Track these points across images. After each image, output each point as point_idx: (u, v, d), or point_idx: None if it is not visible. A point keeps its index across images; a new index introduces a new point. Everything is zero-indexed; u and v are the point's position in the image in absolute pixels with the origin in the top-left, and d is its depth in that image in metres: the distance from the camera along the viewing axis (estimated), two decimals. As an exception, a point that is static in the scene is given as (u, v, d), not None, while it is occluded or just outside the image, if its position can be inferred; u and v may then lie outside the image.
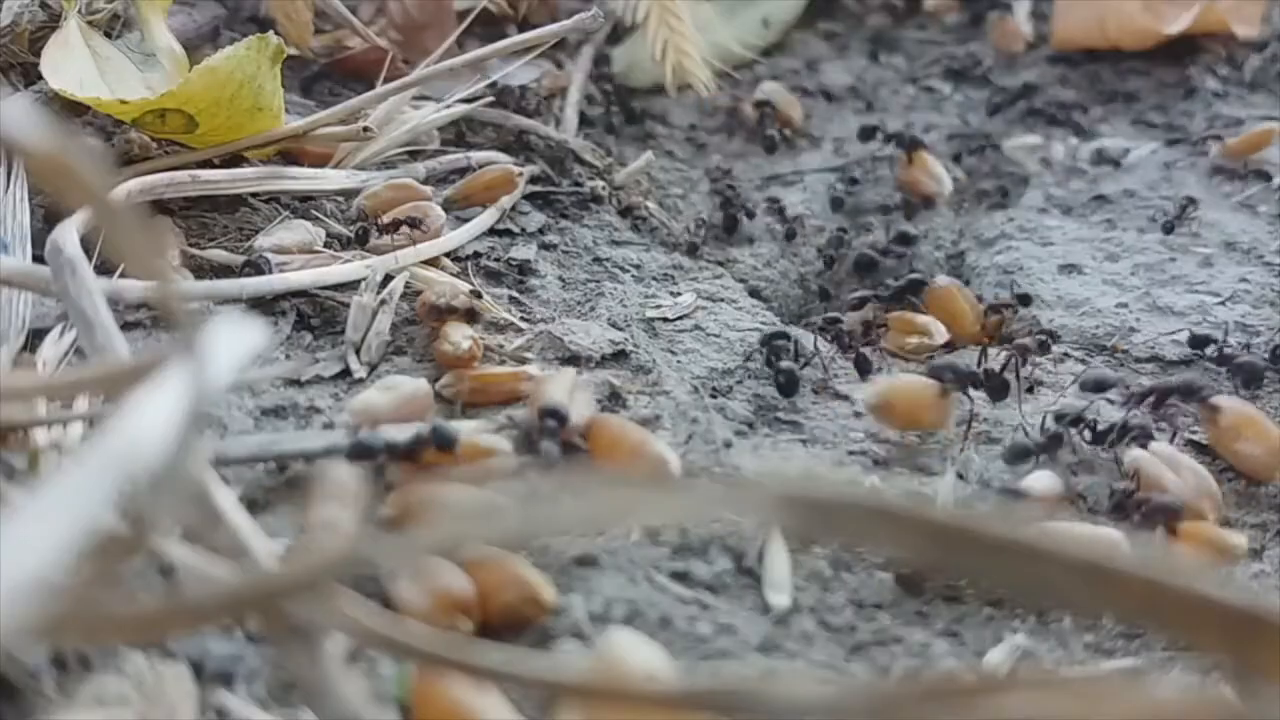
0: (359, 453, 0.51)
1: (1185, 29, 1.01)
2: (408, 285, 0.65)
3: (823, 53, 1.07)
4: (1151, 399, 0.60)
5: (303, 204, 0.72)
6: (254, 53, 0.68)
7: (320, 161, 0.76)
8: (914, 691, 0.31)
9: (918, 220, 0.86)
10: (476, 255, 0.71)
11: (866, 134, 0.90)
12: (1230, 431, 0.58)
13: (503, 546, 0.47)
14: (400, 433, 0.52)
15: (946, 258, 0.84)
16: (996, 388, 0.62)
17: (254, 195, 0.71)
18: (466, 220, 0.73)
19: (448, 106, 0.81)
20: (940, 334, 0.69)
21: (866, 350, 0.66)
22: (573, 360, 0.63)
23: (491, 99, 0.85)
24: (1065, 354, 0.69)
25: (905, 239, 0.82)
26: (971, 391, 0.60)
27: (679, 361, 0.65)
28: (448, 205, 0.73)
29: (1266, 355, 0.66)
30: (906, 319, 0.70)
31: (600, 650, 0.43)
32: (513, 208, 0.76)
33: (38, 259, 0.58)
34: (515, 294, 0.69)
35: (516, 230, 0.74)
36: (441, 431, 0.51)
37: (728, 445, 0.57)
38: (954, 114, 0.99)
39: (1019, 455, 0.57)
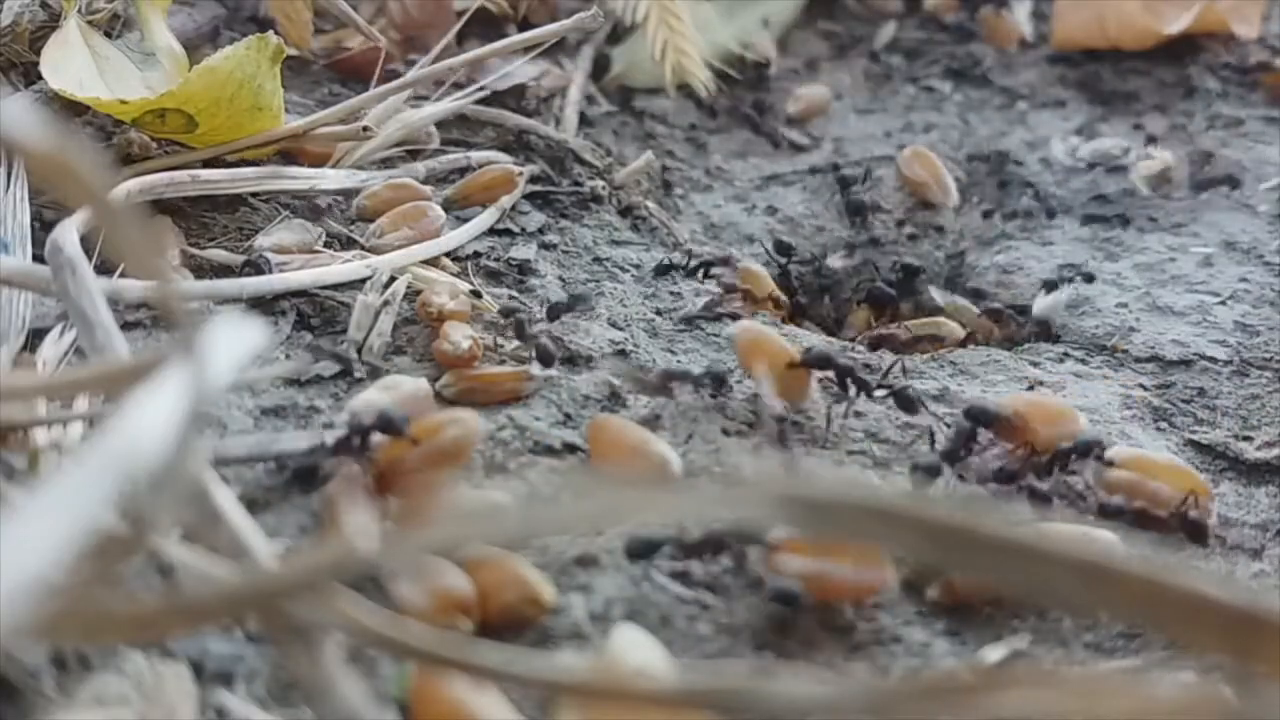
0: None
1: (1185, 29, 1.01)
2: (408, 285, 0.65)
3: (823, 53, 1.07)
4: (965, 445, 0.57)
5: (303, 204, 0.72)
6: (254, 53, 0.68)
7: (320, 161, 0.76)
8: (914, 691, 0.31)
9: (918, 220, 0.86)
10: (476, 255, 0.71)
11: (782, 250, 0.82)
12: (1036, 421, 0.57)
13: (503, 546, 0.47)
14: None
15: (946, 258, 0.84)
16: (904, 402, 0.60)
17: (254, 195, 0.71)
18: (466, 220, 0.73)
19: (448, 101, 0.81)
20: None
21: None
22: (573, 360, 0.63)
23: (489, 97, 0.85)
24: (1065, 354, 0.69)
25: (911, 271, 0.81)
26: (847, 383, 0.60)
27: (679, 361, 0.65)
28: (448, 205, 0.73)
29: None
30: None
31: (603, 648, 0.43)
32: (513, 208, 0.76)
33: (38, 259, 0.58)
34: (515, 294, 0.69)
35: (516, 230, 0.74)
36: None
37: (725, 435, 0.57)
38: (954, 114, 0.99)
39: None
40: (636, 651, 0.43)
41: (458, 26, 0.87)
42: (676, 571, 0.49)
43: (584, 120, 0.91)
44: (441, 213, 0.71)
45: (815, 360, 0.59)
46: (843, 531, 0.32)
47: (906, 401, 0.59)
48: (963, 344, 0.73)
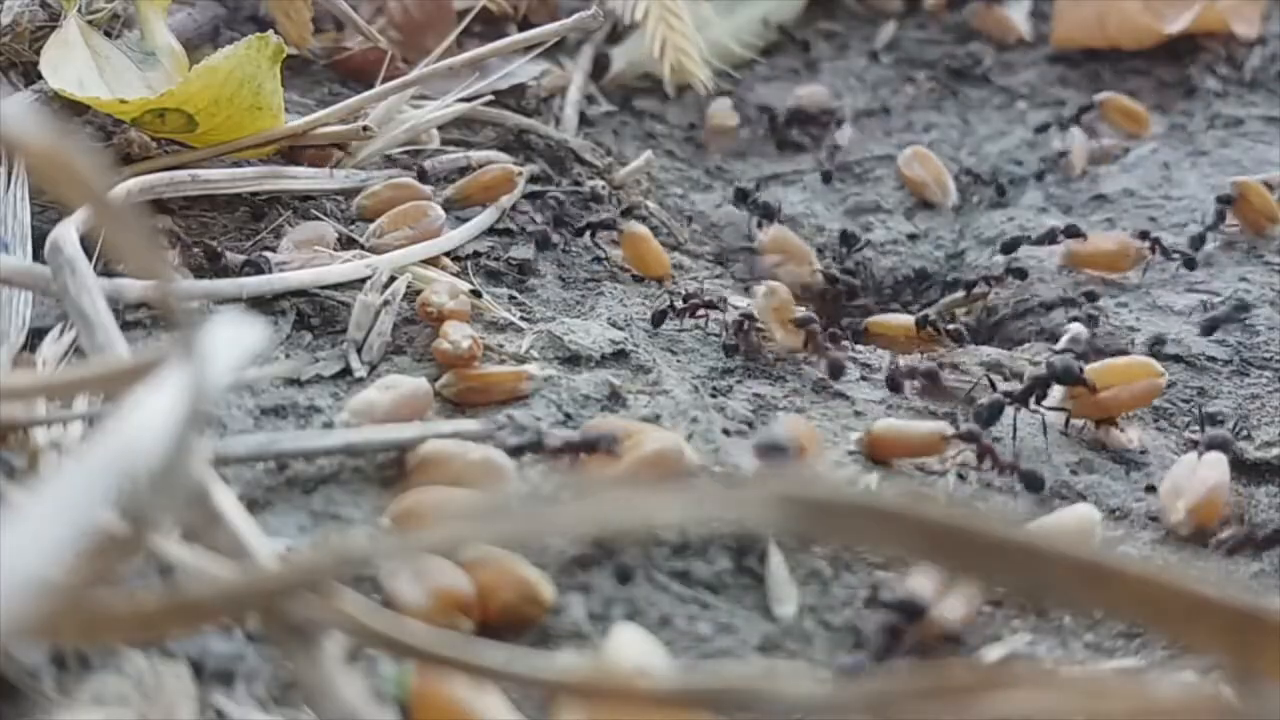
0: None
1: (1185, 29, 1.01)
2: (407, 285, 0.65)
3: (823, 53, 1.07)
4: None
5: (303, 204, 0.72)
6: (254, 52, 0.68)
7: (320, 161, 0.76)
8: (914, 691, 0.31)
9: (918, 220, 0.86)
10: (476, 255, 0.71)
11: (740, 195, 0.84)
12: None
13: (503, 546, 0.47)
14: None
15: (946, 257, 0.84)
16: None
17: (254, 195, 0.71)
18: (466, 220, 0.73)
19: (451, 102, 0.81)
20: None
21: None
22: (573, 360, 0.63)
23: (491, 98, 0.85)
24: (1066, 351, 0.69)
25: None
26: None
27: (679, 361, 0.65)
28: (448, 205, 0.73)
29: None
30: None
31: (603, 648, 0.43)
32: (512, 207, 0.76)
33: (38, 258, 0.58)
34: (515, 293, 0.69)
35: (516, 230, 0.74)
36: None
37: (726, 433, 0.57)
38: (954, 114, 0.99)
39: None
40: (636, 651, 0.43)
41: (460, 28, 0.87)
42: (676, 571, 0.49)
43: (584, 120, 0.91)
44: (441, 212, 0.71)
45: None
46: (843, 532, 0.32)
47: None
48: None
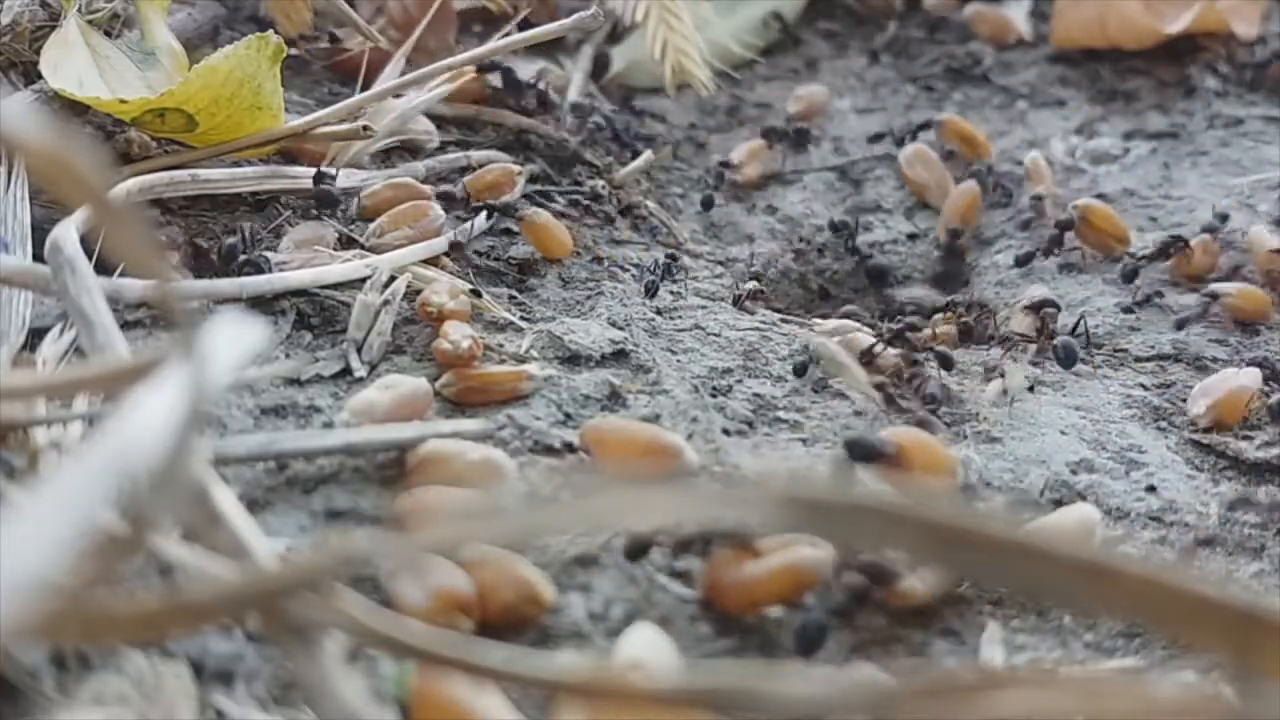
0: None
1: (1185, 29, 1.01)
2: (407, 284, 0.65)
3: (823, 52, 1.07)
4: None
5: (303, 203, 0.72)
6: (254, 52, 0.68)
7: (320, 160, 0.76)
8: (914, 691, 0.31)
9: (918, 219, 0.86)
10: (477, 255, 0.71)
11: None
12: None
13: (503, 546, 0.47)
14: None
15: (946, 257, 0.84)
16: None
17: (254, 195, 0.71)
18: (466, 220, 0.73)
19: (437, 88, 0.81)
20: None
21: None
22: (573, 359, 0.63)
23: (490, 97, 0.85)
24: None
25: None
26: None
27: (679, 361, 0.65)
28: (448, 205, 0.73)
29: None
30: None
31: (617, 649, 0.43)
32: (513, 207, 0.76)
33: (38, 258, 0.58)
34: (515, 293, 0.69)
35: (516, 230, 0.74)
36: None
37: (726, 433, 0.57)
38: (954, 114, 0.99)
39: None
40: (650, 652, 0.43)
41: (444, 17, 0.87)
42: (677, 571, 0.49)
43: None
44: (441, 212, 0.71)
45: None
46: (843, 532, 0.32)
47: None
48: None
